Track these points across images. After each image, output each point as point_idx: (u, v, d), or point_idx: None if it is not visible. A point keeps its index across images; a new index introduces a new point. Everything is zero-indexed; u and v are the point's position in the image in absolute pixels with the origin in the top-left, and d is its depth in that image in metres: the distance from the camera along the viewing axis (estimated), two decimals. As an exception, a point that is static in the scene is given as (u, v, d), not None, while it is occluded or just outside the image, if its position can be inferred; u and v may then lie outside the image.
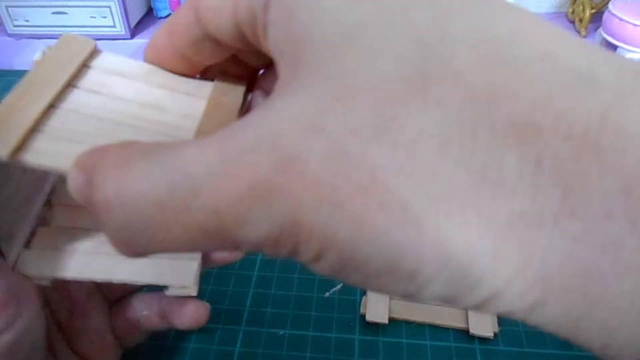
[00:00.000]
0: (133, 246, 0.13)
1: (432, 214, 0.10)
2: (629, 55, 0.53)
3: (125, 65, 0.19)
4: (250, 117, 0.12)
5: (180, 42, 0.17)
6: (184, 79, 0.20)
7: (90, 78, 0.19)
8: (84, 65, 0.19)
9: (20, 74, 0.63)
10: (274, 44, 0.13)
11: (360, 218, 0.10)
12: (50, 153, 0.16)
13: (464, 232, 0.10)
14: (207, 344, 0.32)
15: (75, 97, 0.18)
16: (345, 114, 0.11)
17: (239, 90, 0.20)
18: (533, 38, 0.11)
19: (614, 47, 0.54)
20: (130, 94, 0.19)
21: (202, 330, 0.32)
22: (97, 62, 0.19)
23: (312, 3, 0.12)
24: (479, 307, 0.11)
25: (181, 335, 0.32)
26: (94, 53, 0.20)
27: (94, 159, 0.13)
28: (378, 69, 0.11)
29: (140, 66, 0.19)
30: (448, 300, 0.11)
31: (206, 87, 0.20)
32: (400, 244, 0.11)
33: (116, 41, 0.62)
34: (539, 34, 0.11)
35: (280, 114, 0.11)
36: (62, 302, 0.25)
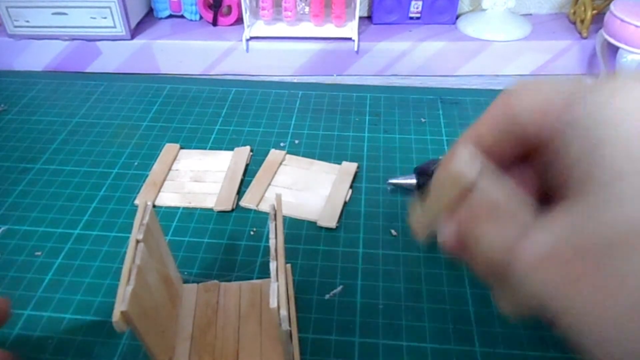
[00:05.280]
0: None
1: None
2: (630, 57, 0.53)
3: None
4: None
5: (486, 134, 0.19)
6: None
7: None
8: None
9: (21, 74, 0.60)
10: (573, 159, 0.16)
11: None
12: None
13: None
14: (207, 346, 0.31)
15: None
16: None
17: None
18: None
19: (615, 49, 0.54)
20: None
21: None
22: None
23: (618, 147, 0.14)
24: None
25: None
26: None
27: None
28: None
29: None
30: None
31: None
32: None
33: (116, 42, 0.62)
34: None
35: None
36: None
